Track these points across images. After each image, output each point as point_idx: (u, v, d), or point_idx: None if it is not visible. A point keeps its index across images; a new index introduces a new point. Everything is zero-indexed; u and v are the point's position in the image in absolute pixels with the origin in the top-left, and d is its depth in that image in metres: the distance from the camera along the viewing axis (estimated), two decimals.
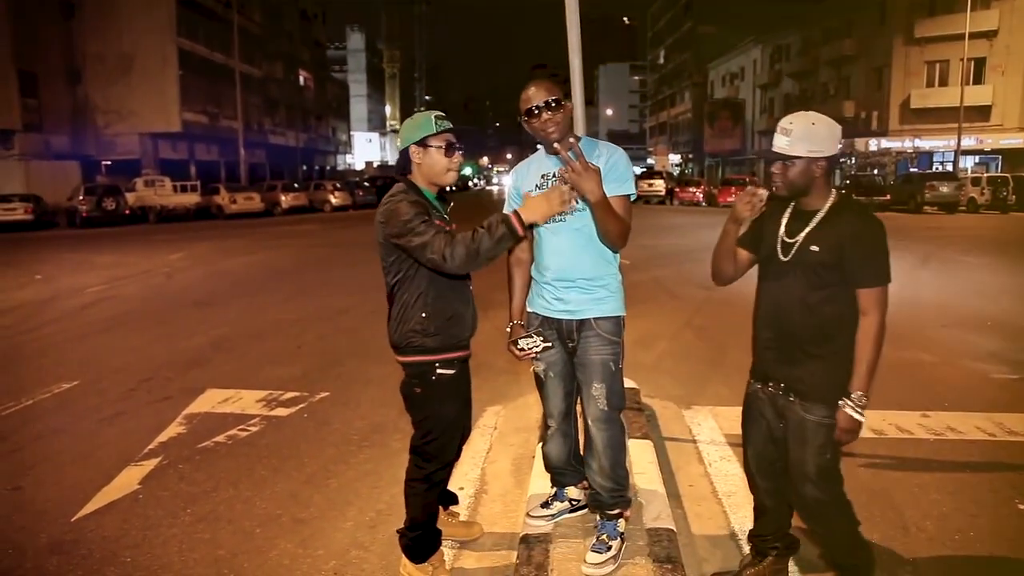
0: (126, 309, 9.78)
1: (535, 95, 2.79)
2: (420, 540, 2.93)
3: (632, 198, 2.91)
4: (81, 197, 27.46)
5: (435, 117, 2.80)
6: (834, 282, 2.43)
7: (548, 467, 3.29)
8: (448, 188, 2.93)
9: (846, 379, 2.45)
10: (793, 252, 2.48)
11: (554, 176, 2.89)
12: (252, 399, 5.55)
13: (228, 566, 3.20)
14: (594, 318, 2.89)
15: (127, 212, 28.24)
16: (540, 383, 3.14)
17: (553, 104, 2.78)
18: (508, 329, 3.15)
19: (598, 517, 3.02)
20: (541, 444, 3.42)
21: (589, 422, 2.96)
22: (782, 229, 2.56)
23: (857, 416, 2.41)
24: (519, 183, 3.05)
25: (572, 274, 2.88)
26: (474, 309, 2.97)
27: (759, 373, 2.68)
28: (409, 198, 2.71)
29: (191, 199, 31.32)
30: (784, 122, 2.45)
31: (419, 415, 2.93)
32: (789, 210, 2.58)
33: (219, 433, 4.83)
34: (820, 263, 2.43)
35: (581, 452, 3.27)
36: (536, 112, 2.79)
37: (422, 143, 2.78)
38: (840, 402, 2.41)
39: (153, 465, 4.32)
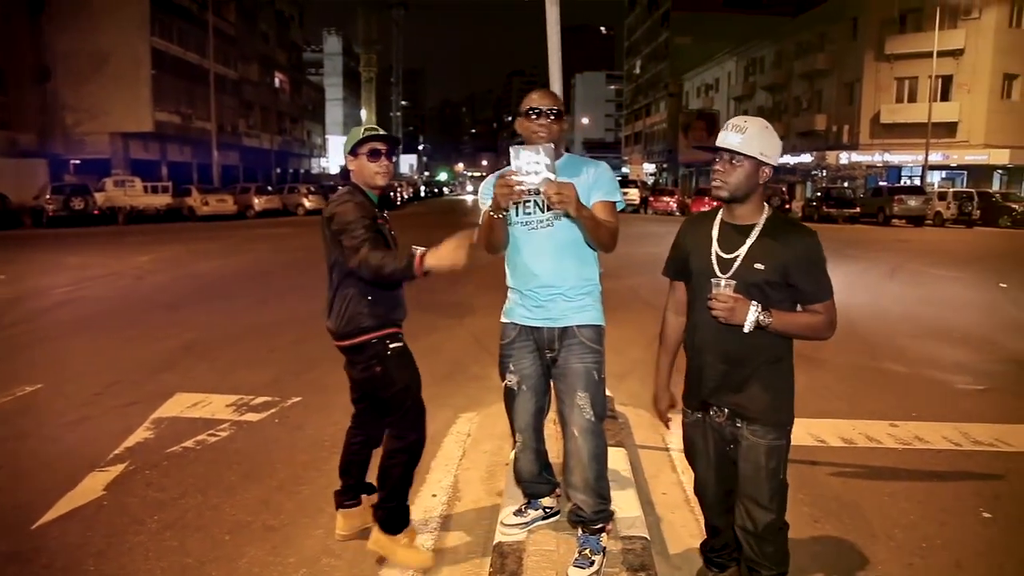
0: (93, 311, 9.60)
1: (539, 99, 2.87)
2: (396, 512, 3.14)
3: (619, 206, 2.91)
4: (48, 196, 27.01)
5: (364, 129, 3.10)
6: (780, 300, 2.34)
7: (519, 482, 3.26)
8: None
9: (791, 398, 2.42)
10: (734, 269, 2.34)
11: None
12: (222, 404, 5.47)
13: (196, 574, 3.14)
14: (577, 326, 2.88)
15: (96, 212, 27.81)
16: (510, 396, 3.06)
17: (553, 112, 2.85)
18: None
19: (579, 531, 2.96)
20: (512, 460, 3.37)
21: (574, 433, 2.87)
22: (714, 245, 2.42)
23: (753, 315, 2.26)
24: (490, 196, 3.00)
25: (556, 282, 2.87)
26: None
27: (696, 401, 2.53)
28: (355, 199, 2.99)
29: (162, 200, 30.90)
30: (737, 120, 2.34)
31: (388, 391, 3.11)
32: (716, 224, 2.46)
33: (188, 438, 4.75)
34: (766, 282, 2.31)
35: (551, 462, 3.26)
36: (535, 114, 2.84)
37: (352, 152, 3.09)
38: (754, 304, 2.27)
39: (119, 471, 4.22)
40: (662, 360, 2.71)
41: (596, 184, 2.86)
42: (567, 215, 2.66)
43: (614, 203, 2.88)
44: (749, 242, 2.36)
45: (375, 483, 3.24)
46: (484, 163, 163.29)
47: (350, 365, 3.20)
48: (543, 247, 2.87)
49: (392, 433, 3.17)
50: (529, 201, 2.85)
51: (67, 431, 4.93)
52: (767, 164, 2.34)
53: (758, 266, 2.32)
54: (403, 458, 3.11)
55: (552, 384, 3.04)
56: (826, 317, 2.35)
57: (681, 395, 2.63)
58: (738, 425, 2.42)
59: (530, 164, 2.54)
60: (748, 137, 2.30)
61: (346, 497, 3.39)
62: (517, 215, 2.89)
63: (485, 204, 2.91)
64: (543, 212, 2.84)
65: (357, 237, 2.86)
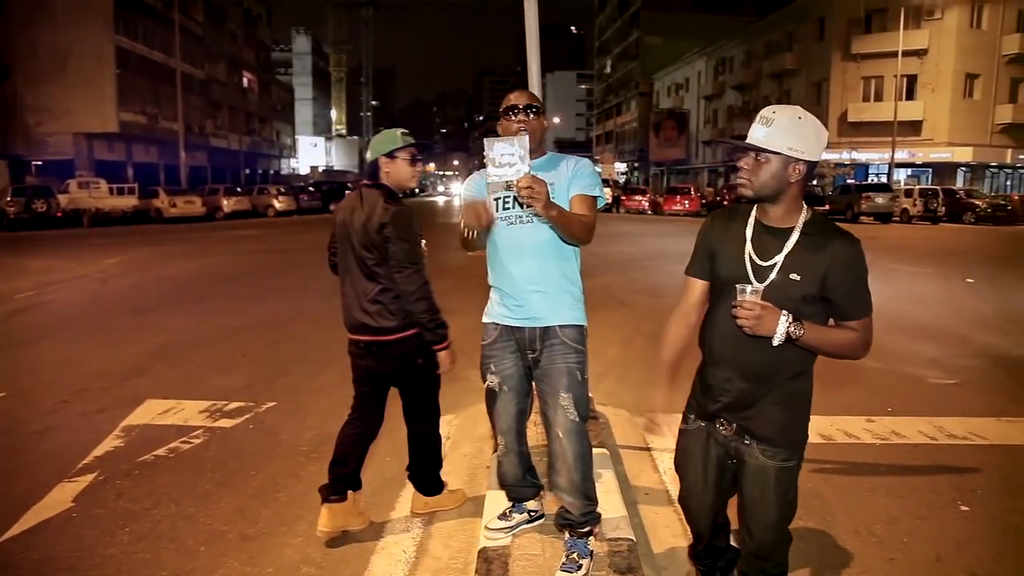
0: (59, 316, 9.37)
1: (517, 98, 2.88)
2: (437, 476, 3.67)
3: (600, 202, 2.86)
4: (8, 198, 26.37)
5: (400, 133, 3.34)
6: (812, 315, 2.10)
7: (503, 486, 3.22)
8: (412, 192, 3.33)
9: (808, 416, 2.24)
10: (771, 279, 2.10)
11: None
12: (195, 410, 5.35)
13: None
14: (559, 325, 2.84)
15: (59, 214, 27.24)
16: (492, 398, 3.02)
17: (532, 110, 2.85)
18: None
19: (567, 535, 2.92)
20: (495, 464, 3.34)
21: (559, 434, 2.83)
22: (748, 247, 2.17)
23: (783, 326, 2.03)
24: (482, 184, 2.95)
25: (537, 280, 2.82)
26: None
27: (703, 411, 2.33)
28: (414, 214, 3.23)
29: (128, 202, 30.34)
30: (765, 111, 2.08)
31: (426, 381, 3.43)
32: (751, 224, 2.19)
33: (160, 446, 4.63)
34: (803, 295, 2.08)
35: (534, 465, 3.22)
36: (515, 112, 2.84)
37: (390, 155, 3.28)
38: (784, 314, 2.04)
39: (88, 481, 4.10)
40: (665, 375, 2.41)
41: (576, 177, 2.83)
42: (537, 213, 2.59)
43: (593, 198, 2.83)
44: (787, 248, 2.11)
45: (414, 459, 3.60)
46: (455, 163, 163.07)
47: (379, 358, 3.33)
48: (523, 244, 2.82)
49: (420, 421, 3.53)
50: (508, 197, 2.81)
51: (33, 441, 4.78)
52: (800, 160, 2.07)
53: (794, 276, 2.08)
54: (437, 439, 3.61)
55: (534, 385, 2.99)
56: (862, 336, 2.14)
57: (688, 400, 2.43)
58: (747, 442, 2.23)
59: (504, 156, 2.41)
60: (774, 130, 2.05)
61: (334, 490, 3.38)
62: (497, 211, 2.84)
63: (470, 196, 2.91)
64: (523, 208, 2.78)
65: (418, 255, 3.21)
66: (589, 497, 2.89)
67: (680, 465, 2.47)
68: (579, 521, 2.87)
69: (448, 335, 3.28)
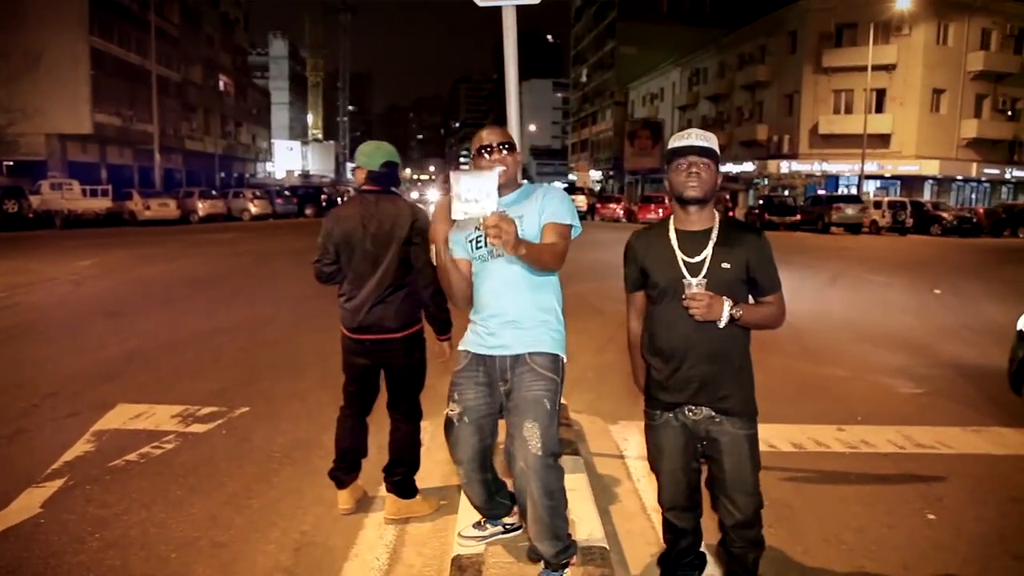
0: (29, 319, 9.21)
1: (489, 136, 2.84)
2: (412, 479, 3.70)
3: (574, 231, 2.77)
4: None
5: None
6: (743, 296, 2.48)
7: (474, 506, 3.11)
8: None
9: (753, 387, 2.57)
10: (704, 271, 2.43)
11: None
12: (167, 415, 5.29)
13: None
14: (528, 353, 2.73)
15: (31, 216, 26.71)
16: (449, 427, 2.87)
17: (505, 147, 2.82)
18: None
19: (541, 565, 2.81)
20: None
21: (523, 468, 2.65)
22: (678, 252, 2.49)
23: (727, 310, 2.38)
24: (459, 227, 2.86)
25: (511, 313, 2.74)
26: None
27: (665, 403, 2.57)
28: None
29: (102, 204, 29.85)
30: (692, 131, 2.50)
31: (418, 377, 3.67)
32: (672, 233, 2.53)
33: (131, 451, 4.57)
34: (733, 280, 2.44)
35: (505, 482, 3.10)
36: (488, 152, 2.79)
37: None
38: (726, 300, 2.39)
39: (57, 487, 4.03)
40: (636, 360, 2.77)
41: (544, 204, 2.74)
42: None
43: (565, 225, 2.73)
44: (711, 244, 2.46)
45: (394, 457, 3.68)
46: (431, 168, 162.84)
47: (380, 355, 3.55)
48: (496, 278, 2.76)
49: (404, 415, 3.66)
50: (480, 236, 2.74)
51: (1, 445, 4.69)
52: (719, 172, 2.53)
53: (725, 265, 2.44)
54: (418, 436, 3.70)
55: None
56: (779, 307, 2.53)
57: (647, 400, 2.66)
58: (717, 420, 2.51)
59: (471, 191, 2.30)
60: (712, 142, 2.47)
61: (352, 469, 3.74)
62: (471, 251, 2.80)
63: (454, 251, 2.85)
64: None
65: (429, 251, 3.36)
66: (559, 537, 2.72)
67: (654, 460, 2.67)
68: (552, 561, 2.75)
69: (446, 336, 3.58)
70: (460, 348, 2.93)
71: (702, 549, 2.88)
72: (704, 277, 2.41)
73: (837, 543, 3.53)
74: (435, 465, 4.39)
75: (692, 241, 2.49)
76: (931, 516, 3.87)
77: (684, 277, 2.42)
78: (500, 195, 2.71)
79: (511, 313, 2.75)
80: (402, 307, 3.50)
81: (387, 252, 3.44)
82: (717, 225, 2.50)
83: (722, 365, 2.49)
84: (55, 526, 3.59)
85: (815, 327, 8.92)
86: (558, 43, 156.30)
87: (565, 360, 2.84)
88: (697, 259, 2.46)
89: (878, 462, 4.66)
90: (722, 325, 2.39)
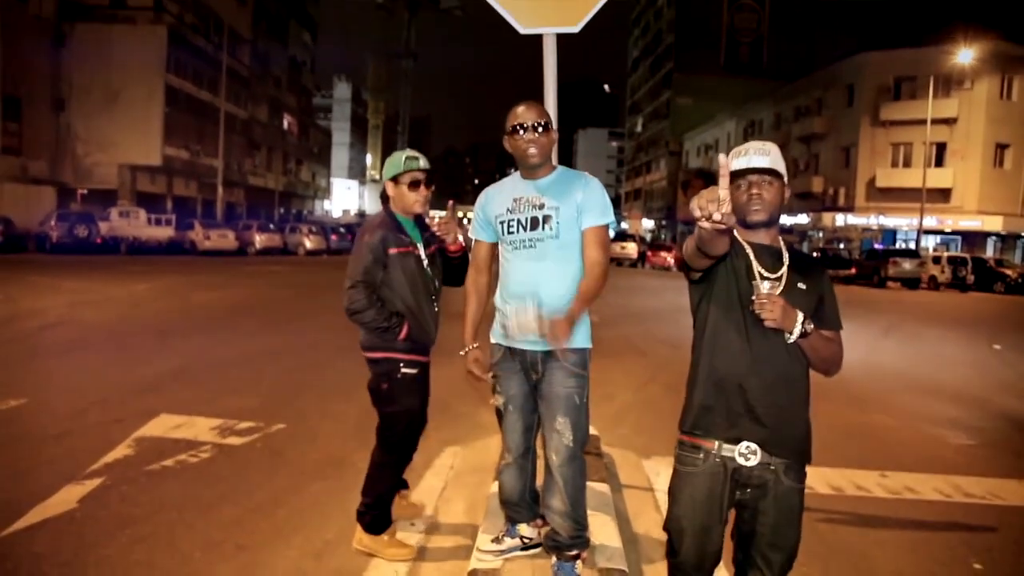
0: (86, 333, 9.55)
1: (525, 113, 2.81)
2: (380, 516, 3.36)
3: (612, 228, 2.83)
4: (53, 223, 27.12)
5: (406, 158, 3.29)
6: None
7: (503, 500, 3.19)
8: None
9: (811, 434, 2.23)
10: (781, 288, 2.14)
11: (526, 201, 2.84)
12: (206, 426, 5.40)
13: None
14: (560, 348, 2.78)
15: (99, 241, 27.87)
16: (500, 416, 3.06)
17: (541, 126, 2.79)
18: (463, 352, 3.05)
19: (554, 558, 2.91)
20: (497, 475, 3.30)
21: (552, 457, 2.83)
22: (754, 263, 2.18)
23: (800, 321, 2.09)
24: (488, 206, 2.97)
25: (542, 303, 2.73)
26: None
27: (710, 441, 2.18)
28: (374, 240, 3.20)
29: (165, 232, 30.99)
30: (755, 143, 2.22)
31: (386, 408, 3.37)
32: (750, 249, 2.21)
33: (168, 457, 4.68)
34: (806, 305, 2.14)
35: (537, 490, 3.19)
36: (523, 130, 2.78)
37: (394, 179, 3.30)
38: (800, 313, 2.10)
39: (95, 485, 4.15)
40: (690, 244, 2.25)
41: (586, 206, 2.78)
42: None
43: (606, 227, 2.80)
44: (787, 261, 2.21)
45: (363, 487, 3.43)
46: None
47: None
48: (526, 268, 2.82)
49: (380, 447, 3.39)
50: (513, 220, 2.83)
51: (47, 444, 4.85)
52: (786, 186, 2.25)
53: (801, 286, 2.18)
54: (388, 472, 3.39)
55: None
56: (840, 347, 2.26)
57: (687, 442, 2.26)
58: (772, 468, 2.16)
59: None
60: (775, 158, 2.21)
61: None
62: (502, 234, 2.88)
63: (479, 218, 3.01)
64: (527, 231, 2.79)
65: (354, 275, 3.17)
66: (579, 522, 2.87)
67: (680, 517, 2.23)
68: (567, 544, 2.85)
69: (398, 332, 3.21)
70: (493, 340, 3.01)
71: None
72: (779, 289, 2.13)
73: None
74: (463, 488, 4.37)
75: (768, 256, 2.21)
76: (977, 566, 3.68)
77: (756, 282, 2.11)
78: (535, 177, 2.85)
79: (544, 303, 2.73)
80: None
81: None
82: (784, 247, 2.25)
83: (789, 394, 2.17)
84: (88, 520, 3.68)
85: (864, 376, 8.65)
86: (615, 93, 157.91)
87: (591, 349, 2.92)
88: (775, 275, 2.17)
89: (922, 509, 4.47)
90: (793, 338, 2.09)
